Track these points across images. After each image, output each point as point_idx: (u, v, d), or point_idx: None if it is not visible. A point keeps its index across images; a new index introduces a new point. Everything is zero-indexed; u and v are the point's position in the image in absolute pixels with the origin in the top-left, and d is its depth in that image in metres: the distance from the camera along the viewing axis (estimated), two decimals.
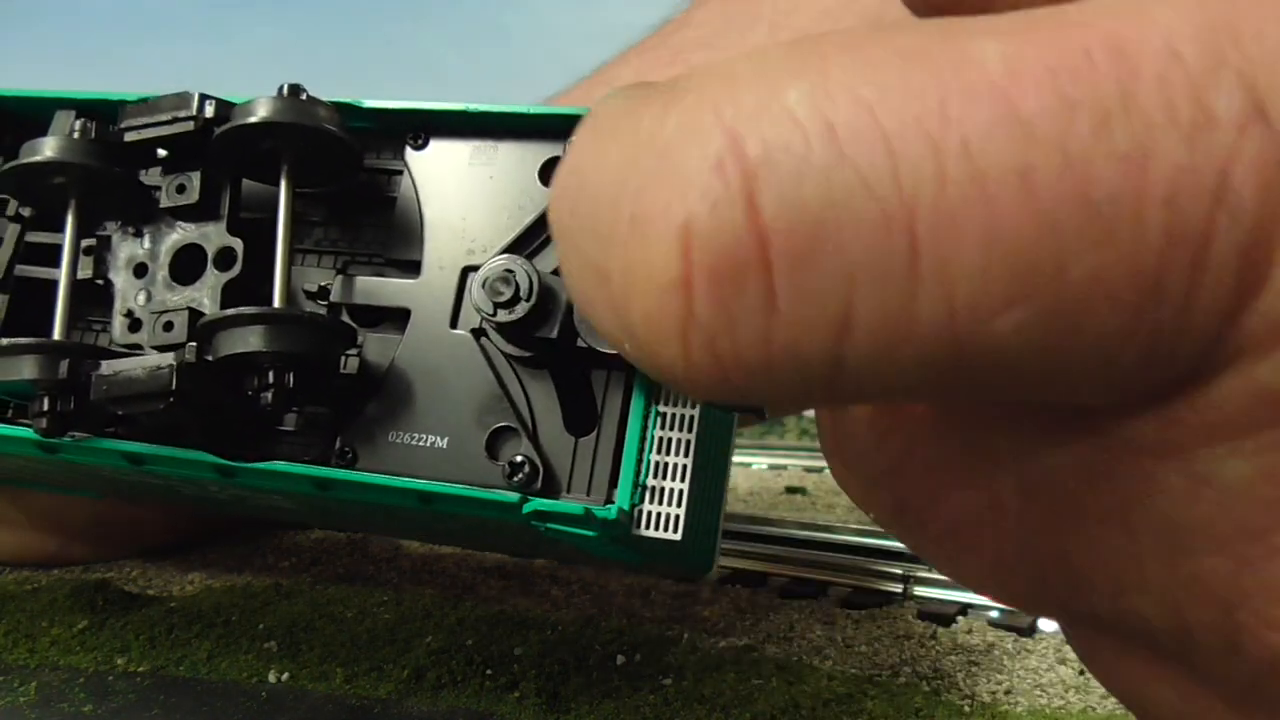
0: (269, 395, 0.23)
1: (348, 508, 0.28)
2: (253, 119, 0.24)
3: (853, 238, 0.12)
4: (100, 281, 0.27)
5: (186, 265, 0.26)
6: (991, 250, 0.12)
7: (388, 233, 0.26)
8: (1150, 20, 0.12)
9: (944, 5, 0.15)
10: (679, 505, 0.22)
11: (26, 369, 0.23)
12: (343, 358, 0.25)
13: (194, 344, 0.23)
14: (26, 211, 0.29)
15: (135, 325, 0.26)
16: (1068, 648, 0.37)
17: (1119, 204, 0.11)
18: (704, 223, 0.12)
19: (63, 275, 0.26)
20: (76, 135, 0.25)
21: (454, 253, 0.25)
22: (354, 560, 0.49)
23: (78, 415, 0.24)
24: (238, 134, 0.24)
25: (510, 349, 0.24)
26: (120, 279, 0.27)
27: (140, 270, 0.27)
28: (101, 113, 0.26)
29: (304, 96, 0.24)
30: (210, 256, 0.26)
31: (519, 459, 0.23)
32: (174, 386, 0.23)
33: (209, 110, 0.25)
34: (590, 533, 0.22)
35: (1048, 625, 0.40)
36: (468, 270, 0.25)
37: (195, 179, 0.26)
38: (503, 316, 0.23)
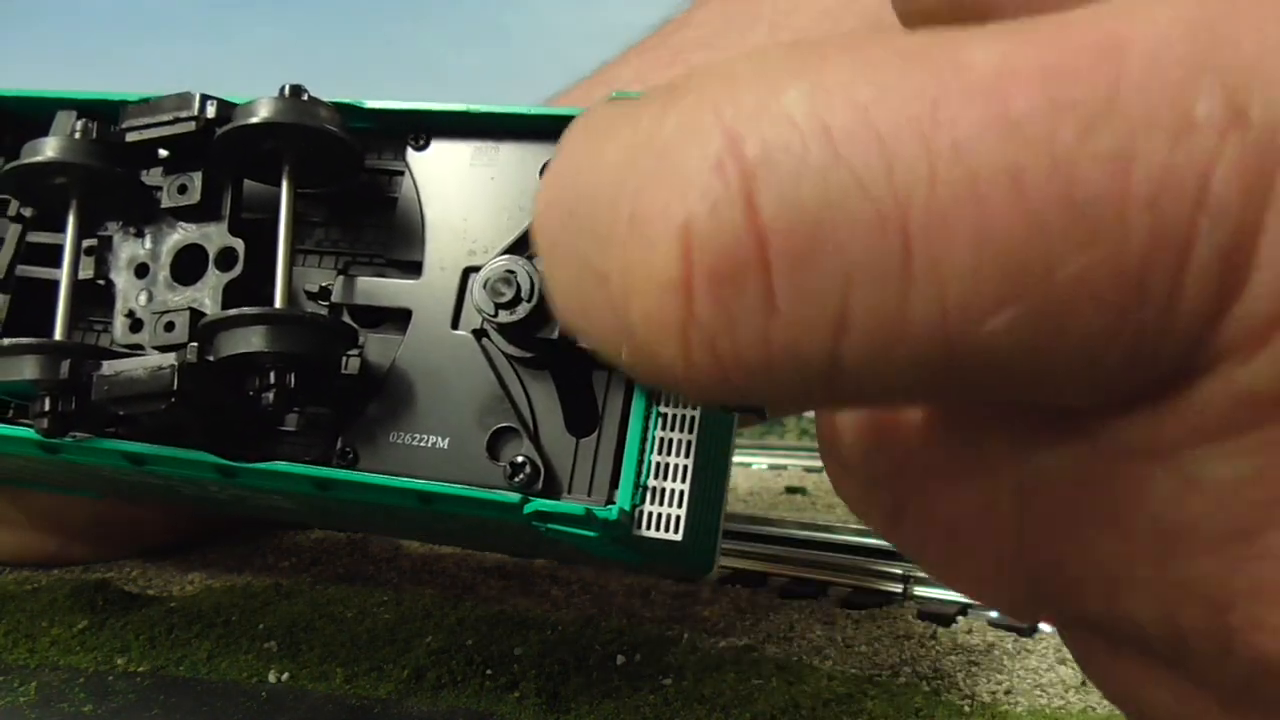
0: (270, 396, 0.23)
1: (348, 508, 0.28)
2: (254, 119, 0.24)
3: (849, 237, 0.12)
4: (101, 282, 0.27)
5: (188, 265, 0.26)
6: (982, 250, 0.12)
7: (389, 233, 0.26)
8: (1135, 26, 0.12)
9: (937, 17, 0.15)
10: (680, 506, 0.22)
11: (28, 369, 0.23)
12: (344, 358, 0.25)
13: (195, 344, 0.23)
14: (28, 212, 0.29)
15: (136, 325, 0.26)
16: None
17: (1104, 205, 0.11)
18: (704, 223, 0.12)
19: (64, 275, 0.26)
20: (78, 135, 0.25)
21: (455, 253, 0.25)
22: (354, 560, 0.49)
23: (79, 415, 0.24)
24: (239, 134, 0.24)
25: (511, 350, 0.24)
26: (121, 279, 0.27)
27: (142, 270, 0.27)
28: (103, 113, 0.26)
29: (305, 97, 0.24)
30: (211, 257, 0.26)
31: (520, 459, 0.23)
32: (175, 387, 0.23)
33: (210, 111, 0.25)
34: (591, 533, 0.22)
35: (1047, 625, 0.40)
36: (469, 271, 0.25)
37: (197, 179, 0.26)
38: (504, 317, 0.23)
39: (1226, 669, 0.14)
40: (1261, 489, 0.13)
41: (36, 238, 0.29)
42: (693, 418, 0.22)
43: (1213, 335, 0.12)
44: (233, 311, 0.23)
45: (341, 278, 0.26)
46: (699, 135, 0.13)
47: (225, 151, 0.25)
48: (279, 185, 0.25)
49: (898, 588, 0.44)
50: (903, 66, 0.12)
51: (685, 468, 0.22)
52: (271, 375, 0.23)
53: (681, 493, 0.22)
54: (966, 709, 0.33)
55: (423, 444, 0.24)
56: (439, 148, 0.26)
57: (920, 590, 0.43)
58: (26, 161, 0.25)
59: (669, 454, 0.22)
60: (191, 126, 0.25)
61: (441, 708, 0.33)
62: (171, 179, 0.26)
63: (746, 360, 0.13)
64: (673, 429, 0.22)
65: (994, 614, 0.41)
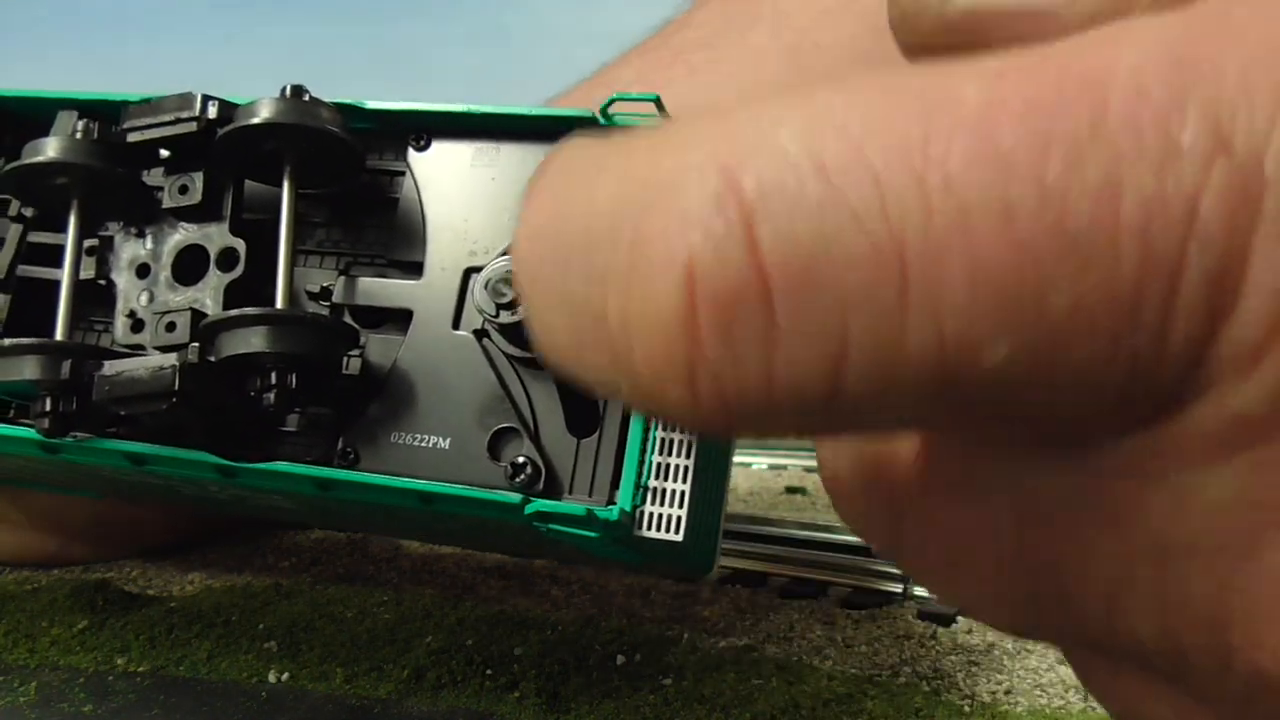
0: (271, 396, 0.23)
1: (349, 508, 0.28)
2: (255, 120, 0.24)
3: (846, 270, 0.12)
4: (103, 282, 0.27)
5: (189, 266, 0.26)
6: (976, 281, 0.12)
7: (390, 234, 0.26)
8: (1119, 56, 0.12)
9: (934, 47, 0.15)
10: (680, 506, 0.22)
11: (29, 369, 0.24)
12: (345, 359, 0.25)
13: (196, 344, 0.24)
14: (29, 212, 0.29)
15: (138, 326, 0.26)
16: None
17: (1094, 234, 0.12)
18: (708, 260, 0.12)
19: (65, 276, 0.26)
20: (79, 136, 0.25)
21: (456, 254, 0.25)
22: (354, 560, 0.49)
23: (80, 416, 0.24)
24: (240, 135, 0.24)
25: (512, 350, 0.24)
26: (123, 279, 0.27)
27: (143, 271, 0.27)
28: (104, 113, 0.26)
29: (306, 97, 0.24)
30: (213, 257, 0.26)
31: (521, 460, 0.23)
32: (176, 387, 0.23)
33: (212, 111, 0.25)
34: (592, 534, 0.22)
35: None
36: (470, 271, 0.25)
37: (198, 180, 0.26)
38: (505, 318, 0.23)
39: (1226, 686, 0.14)
40: (1256, 509, 0.13)
41: (38, 238, 0.29)
42: None
43: (1204, 359, 0.12)
44: (234, 312, 0.23)
45: (343, 278, 0.26)
46: (697, 173, 0.13)
47: (226, 152, 0.25)
48: (280, 186, 0.25)
49: (898, 588, 0.44)
50: (895, 101, 0.12)
51: (686, 468, 0.22)
52: (273, 376, 0.23)
53: (682, 493, 0.22)
54: (966, 709, 0.33)
55: (424, 444, 0.24)
56: (440, 148, 0.26)
57: (920, 590, 0.43)
58: (28, 162, 0.25)
59: (670, 454, 0.22)
60: (193, 127, 0.25)
61: (441, 708, 0.33)
62: (173, 179, 0.26)
63: (750, 395, 0.13)
64: (673, 429, 0.22)
65: None
